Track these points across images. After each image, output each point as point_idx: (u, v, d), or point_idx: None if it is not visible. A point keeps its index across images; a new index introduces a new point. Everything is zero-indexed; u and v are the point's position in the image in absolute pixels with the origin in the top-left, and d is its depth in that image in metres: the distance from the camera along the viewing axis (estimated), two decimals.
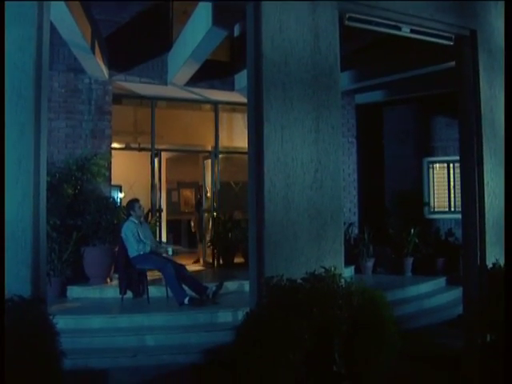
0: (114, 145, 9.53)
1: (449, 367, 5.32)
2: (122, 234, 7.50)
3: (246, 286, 7.90)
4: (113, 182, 11.64)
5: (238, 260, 10.38)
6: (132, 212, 7.59)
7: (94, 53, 7.51)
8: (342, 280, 3.99)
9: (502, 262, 5.10)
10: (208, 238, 10.68)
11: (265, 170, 4.07)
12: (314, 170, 4.25)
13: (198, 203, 10.45)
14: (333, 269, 4.07)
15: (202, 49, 7.49)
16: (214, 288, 7.28)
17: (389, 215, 10.93)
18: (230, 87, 9.79)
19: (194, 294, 7.22)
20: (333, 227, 4.37)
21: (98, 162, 8.23)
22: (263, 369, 3.44)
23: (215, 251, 10.35)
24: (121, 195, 11.35)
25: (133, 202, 7.75)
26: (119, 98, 9.73)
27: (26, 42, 3.91)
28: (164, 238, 13.21)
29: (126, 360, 5.80)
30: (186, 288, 7.18)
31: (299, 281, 3.92)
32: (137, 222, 7.60)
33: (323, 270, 4.06)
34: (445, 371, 5.27)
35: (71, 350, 5.39)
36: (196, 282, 7.42)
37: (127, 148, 10.57)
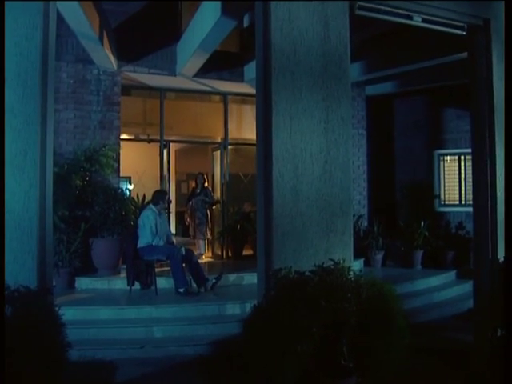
0: (123, 136, 9.51)
1: (459, 361, 5.25)
2: (140, 221, 7.53)
3: (246, 277, 8.02)
4: (122, 174, 11.66)
5: (246, 252, 10.36)
6: (161, 202, 7.62)
7: (102, 43, 7.47)
8: (351, 273, 3.94)
9: None
10: (217, 230, 10.67)
11: (273, 160, 4.02)
12: (323, 161, 4.19)
13: (193, 194, 10.20)
14: (342, 261, 4.01)
15: (211, 39, 7.42)
16: (213, 280, 7.31)
17: (399, 208, 10.83)
18: (240, 78, 9.72)
19: (194, 284, 7.36)
20: (342, 219, 4.31)
21: (107, 153, 8.21)
22: (270, 361, 3.41)
23: (224, 243, 10.33)
24: (130, 186, 11.35)
25: (163, 194, 7.92)
26: (128, 89, 9.69)
27: (33, 31, 3.88)
28: (173, 230, 13.21)
29: (133, 351, 5.79)
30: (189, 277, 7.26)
31: (308, 273, 3.87)
32: (156, 212, 7.60)
33: (332, 262, 4.01)
34: (454, 365, 5.21)
35: (79, 341, 5.46)
36: (200, 270, 7.43)
37: (136, 139, 10.54)
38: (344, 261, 4.01)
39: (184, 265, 7.31)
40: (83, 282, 7.77)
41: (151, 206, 7.76)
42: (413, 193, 11.00)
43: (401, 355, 3.87)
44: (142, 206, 8.56)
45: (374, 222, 10.21)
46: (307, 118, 4.17)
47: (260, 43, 4.33)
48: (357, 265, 9.96)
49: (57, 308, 3.81)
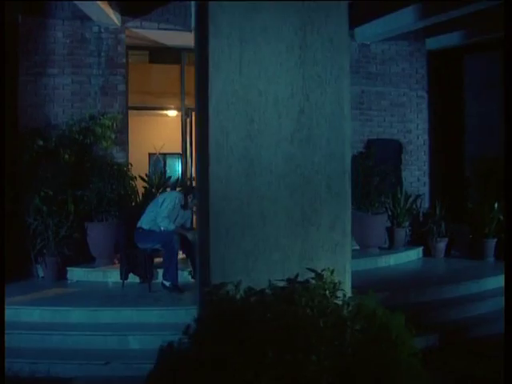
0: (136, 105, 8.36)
1: None
2: (160, 198, 6.35)
3: None
4: (146, 149, 10.53)
5: None
6: (189, 198, 6.29)
7: None
8: (340, 294, 2.41)
9: None
10: None
11: (210, 110, 2.55)
12: (296, 110, 2.68)
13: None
14: (329, 273, 2.49)
15: None
16: None
17: (468, 187, 8.91)
18: None
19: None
20: (331, 205, 2.79)
21: (104, 122, 6.99)
22: None
23: None
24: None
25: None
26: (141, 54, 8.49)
27: None
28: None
29: (96, 368, 4.60)
30: None
31: (268, 291, 2.41)
32: (182, 202, 6.30)
33: (315, 273, 2.50)
34: None
35: (36, 350, 4.79)
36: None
37: (149, 108, 9.32)
38: (333, 272, 2.49)
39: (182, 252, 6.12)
40: (76, 273, 6.71)
41: (178, 190, 6.79)
42: (487, 168, 9.00)
43: None
44: (164, 185, 7.39)
45: (437, 204, 8.45)
46: (270, 42, 2.65)
47: None
48: (414, 255, 8.38)
49: None
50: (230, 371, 2.02)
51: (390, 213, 8.40)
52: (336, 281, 2.44)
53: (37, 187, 6.46)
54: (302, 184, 2.73)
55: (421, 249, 8.48)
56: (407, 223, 8.56)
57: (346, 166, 2.86)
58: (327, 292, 2.32)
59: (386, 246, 8.44)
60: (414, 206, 8.66)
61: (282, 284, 2.48)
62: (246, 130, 2.64)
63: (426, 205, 8.94)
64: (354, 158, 8.12)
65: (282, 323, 2.05)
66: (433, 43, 9.00)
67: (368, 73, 8.60)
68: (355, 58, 8.51)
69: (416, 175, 8.94)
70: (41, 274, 6.69)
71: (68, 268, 6.70)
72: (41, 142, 6.54)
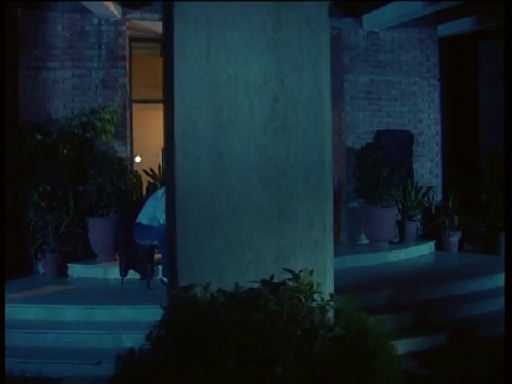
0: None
1: None
2: (160, 192, 6.15)
3: None
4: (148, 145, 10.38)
5: None
6: None
7: None
8: (317, 297, 2.21)
9: None
10: None
11: (176, 98, 2.38)
12: (270, 97, 2.49)
13: None
14: (308, 273, 2.30)
15: None
16: None
17: (483, 179, 8.59)
18: None
19: None
20: (310, 200, 2.57)
21: (103, 116, 6.87)
22: None
23: None
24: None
25: None
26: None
27: None
28: None
29: (88, 368, 4.48)
30: None
31: (241, 294, 2.23)
32: None
33: (292, 274, 2.32)
34: None
35: (28, 349, 4.70)
36: None
37: (152, 101, 9.16)
38: (312, 272, 2.30)
39: None
40: (76, 270, 6.63)
41: None
42: (501, 160, 8.66)
43: None
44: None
45: (449, 196, 8.18)
46: (239, 24, 2.46)
47: None
48: (426, 249, 8.12)
49: None
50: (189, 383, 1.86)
51: (400, 206, 8.15)
52: (314, 282, 2.25)
53: (36, 183, 6.38)
54: (277, 177, 2.53)
55: (433, 243, 8.22)
56: (419, 216, 8.30)
57: (325, 157, 2.64)
58: (302, 295, 2.13)
59: (397, 240, 8.19)
60: (426, 199, 8.39)
61: (256, 285, 2.30)
62: (214, 119, 2.45)
63: (439, 197, 8.65)
64: (362, 149, 7.89)
65: (244, 331, 1.87)
66: (445, 29, 8.65)
67: (377, 61, 8.32)
68: (363, 47, 8.27)
69: (428, 167, 8.65)
70: (41, 270, 6.62)
71: (69, 264, 6.62)
72: (39, 137, 6.44)
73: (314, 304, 2.21)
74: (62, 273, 6.55)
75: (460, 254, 8.03)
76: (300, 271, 2.31)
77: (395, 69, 8.41)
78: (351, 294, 5.58)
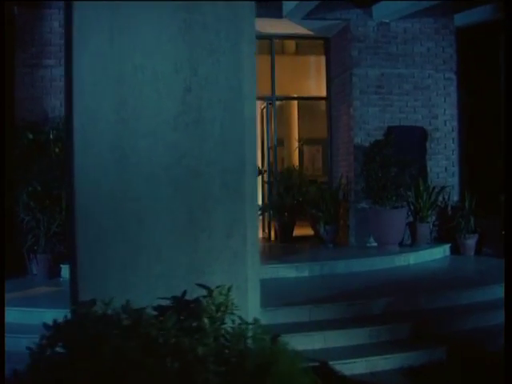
0: None
1: None
2: None
3: (282, 271, 6.35)
4: None
5: (301, 232, 8.44)
6: None
7: None
8: (236, 318, 1.92)
9: None
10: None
11: (74, 90, 2.13)
12: (181, 88, 2.19)
13: None
14: (226, 290, 2.02)
15: None
16: None
17: (505, 178, 8.05)
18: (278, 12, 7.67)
19: None
20: (226, 205, 2.26)
21: None
22: None
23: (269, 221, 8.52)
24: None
25: None
26: None
27: None
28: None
29: None
30: None
31: (150, 312, 1.96)
32: None
33: (205, 290, 2.04)
34: None
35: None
36: None
37: None
38: (230, 289, 2.01)
39: None
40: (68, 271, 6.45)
41: None
42: None
43: None
44: None
45: (466, 196, 7.69)
46: (146, 7, 2.18)
47: None
48: (440, 252, 7.66)
49: None
50: None
51: (411, 207, 7.72)
52: (229, 301, 1.96)
53: (29, 182, 6.28)
54: (189, 178, 2.24)
55: (447, 246, 7.76)
56: (432, 218, 7.85)
57: (246, 157, 2.33)
58: (207, 318, 1.84)
59: (409, 242, 7.77)
60: (441, 199, 7.94)
61: (166, 302, 2.03)
62: (117, 114, 2.18)
63: (455, 197, 8.17)
64: (370, 147, 7.50)
65: (115, 363, 1.61)
66: (462, 19, 8.18)
67: (388, 54, 7.89)
68: (373, 38, 7.86)
69: (443, 165, 8.17)
70: (34, 271, 6.51)
71: (62, 265, 6.48)
72: (30, 136, 6.33)
73: (228, 327, 1.92)
74: (54, 274, 6.41)
75: (476, 259, 7.56)
76: (217, 287, 2.02)
77: (408, 61, 7.96)
78: (345, 302, 5.42)
